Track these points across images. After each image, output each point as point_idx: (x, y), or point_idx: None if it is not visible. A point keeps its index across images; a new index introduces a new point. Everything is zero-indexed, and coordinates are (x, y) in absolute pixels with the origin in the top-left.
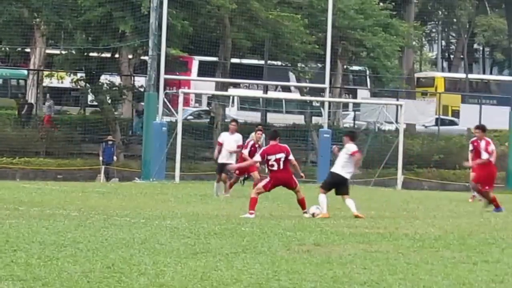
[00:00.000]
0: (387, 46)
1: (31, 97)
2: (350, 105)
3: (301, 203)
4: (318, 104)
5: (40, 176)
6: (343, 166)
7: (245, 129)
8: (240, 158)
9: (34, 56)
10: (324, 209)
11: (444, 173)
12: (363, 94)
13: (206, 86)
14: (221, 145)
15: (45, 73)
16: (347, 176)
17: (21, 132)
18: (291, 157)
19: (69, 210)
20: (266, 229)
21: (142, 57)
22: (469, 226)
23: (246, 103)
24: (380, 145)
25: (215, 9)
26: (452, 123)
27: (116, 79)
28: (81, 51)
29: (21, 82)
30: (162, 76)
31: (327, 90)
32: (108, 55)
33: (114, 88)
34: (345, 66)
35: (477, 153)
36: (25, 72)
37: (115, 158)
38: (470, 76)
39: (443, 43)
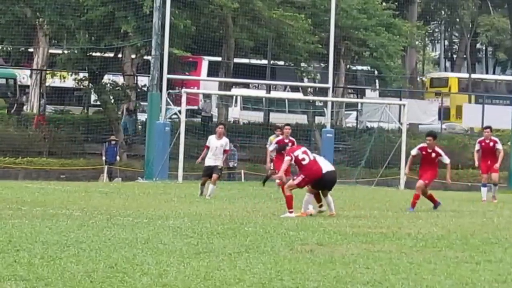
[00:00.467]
0: (390, 46)
1: (34, 97)
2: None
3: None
4: (321, 104)
5: (43, 176)
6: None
7: (248, 129)
8: (278, 160)
9: (37, 56)
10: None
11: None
12: (372, 95)
13: (216, 86)
14: (207, 148)
15: (48, 73)
16: None
17: (24, 132)
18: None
19: (72, 210)
20: (269, 228)
21: (146, 57)
22: (472, 226)
23: (249, 103)
24: (383, 144)
25: (218, 9)
26: None
27: (119, 79)
28: (84, 50)
29: (10, 81)
30: (165, 76)
31: (330, 90)
32: (111, 54)
33: (117, 88)
34: (348, 66)
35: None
36: (14, 71)
37: (118, 158)
38: (485, 76)
39: (446, 42)
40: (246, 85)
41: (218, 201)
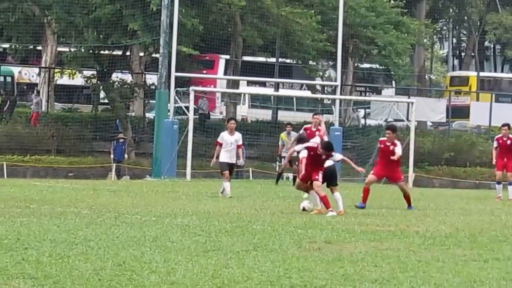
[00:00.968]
0: (399, 44)
1: (42, 95)
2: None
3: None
4: (329, 102)
5: (51, 174)
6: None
7: (256, 127)
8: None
9: (46, 54)
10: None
11: (455, 171)
12: (388, 92)
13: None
14: (220, 145)
15: (57, 70)
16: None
17: (32, 130)
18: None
19: (80, 208)
20: (277, 227)
21: (154, 55)
22: (480, 224)
23: (257, 101)
24: None
25: (226, 7)
26: None
27: (128, 77)
28: (91, 48)
29: (8, 78)
30: (173, 74)
31: (339, 88)
32: (119, 52)
33: (125, 86)
34: (356, 64)
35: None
36: (11, 68)
37: (126, 156)
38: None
39: (454, 40)
40: (263, 84)
41: (226, 199)
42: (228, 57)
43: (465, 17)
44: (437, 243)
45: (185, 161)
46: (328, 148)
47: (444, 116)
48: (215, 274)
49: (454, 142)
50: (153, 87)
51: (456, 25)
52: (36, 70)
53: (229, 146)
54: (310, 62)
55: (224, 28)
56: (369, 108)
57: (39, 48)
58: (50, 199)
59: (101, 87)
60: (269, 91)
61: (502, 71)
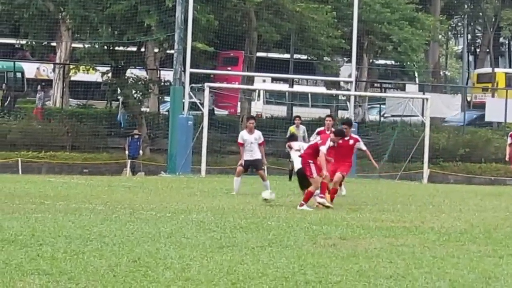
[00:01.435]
0: (414, 40)
1: (56, 91)
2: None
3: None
4: (344, 98)
5: (66, 170)
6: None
7: (270, 123)
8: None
9: (60, 50)
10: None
11: (470, 167)
12: (411, 88)
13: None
14: (242, 145)
15: (71, 67)
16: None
17: (47, 126)
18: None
19: (95, 204)
20: (292, 223)
21: (168, 51)
22: (495, 220)
23: (272, 97)
24: (406, 138)
25: (241, 3)
26: None
27: (143, 73)
28: (105, 45)
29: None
30: (188, 70)
31: (353, 84)
32: (134, 49)
33: (140, 82)
34: (371, 60)
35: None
36: (21, 65)
37: (141, 152)
38: None
39: (469, 36)
40: (280, 80)
41: (241, 196)
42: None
43: (480, 13)
44: (452, 239)
45: (200, 157)
46: (339, 133)
47: (459, 112)
48: (230, 270)
49: (469, 138)
50: (168, 83)
51: (471, 21)
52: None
53: (249, 145)
54: (325, 58)
55: (238, 24)
56: (384, 104)
57: (54, 44)
58: (65, 195)
59: (115, 83)
60: (284, 87)
61: None
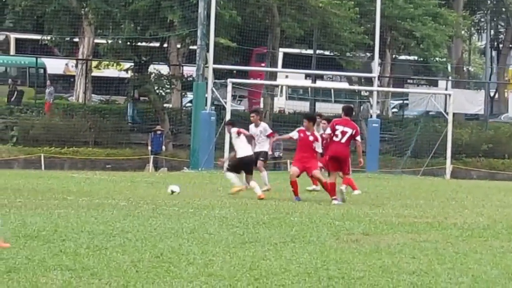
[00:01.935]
0: (437, 36)
1: (79, 87)
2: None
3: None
4: (366, 94)
5: (88, 166)
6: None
7: (293, 119)
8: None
9: (83, 46)
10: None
11: (493, 163)
12: (443, 84)
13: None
14: (252, 138)
15: (94, 62)
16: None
17: (70, 122)
18: (358, 138)
19: (117, 200)
20: (315, 218)
21: (191, 47)
22: None
23: (295, 93)
24: (428, 134)
25: None
26: None
27: (165, 69)
28: (127, 40)
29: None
30: (211, 65)
31: (376, 80)
32: (157, 44)
33: (162, 78)
34: (394, 56)
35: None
36: (43, 61)
37: (163, 147)
38: None
39: (492, 32)
40: (320, 77)
41: (263, 191)
42: (286, 50)
43: (503, 9)
44: (475, 235)
45: (223, 152)
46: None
47: (482, 108)
48: (252, 266)
49: (492, 134)
50: (191, 79)
51: (494, 16)
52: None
53: (257, 137)
54: (348, 54)
55: (261, 20)
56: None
57: (76, 40)
58: (87, 191)
59: (138, 79)
60: (306, 83)
61: None
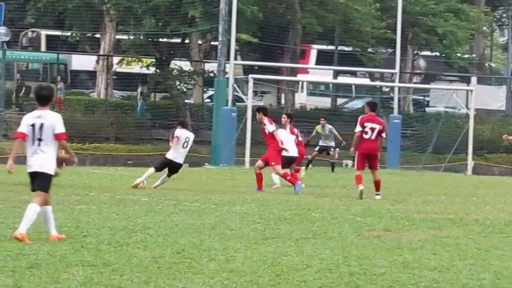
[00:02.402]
0: (459, 32)
1: (100, 83)
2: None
3: (377, 184)
4: (387, 90)
5: (110, 162)
6: None
7: (314, 115)
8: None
9: (104, 42)
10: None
11: None
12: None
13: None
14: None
15: (116, 59)
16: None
17: (91, 117)
18: (384, 134)
19: (139, 196)
20: (336, 214)
21: (213, 43)
22: None
23: (316, 89)
24: (450, 130)
25: None
26: None
27: (187, 65)
28: (149, 36)
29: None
30: (232, 61)
31: (397, 76)
32: (178, 40)
33: (183, 74)
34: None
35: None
36: (65, 56)
37: None
38: None
39: None
40: (354, 73)
41: (284, 188)
42: (320, 47)
43: None
44: (497, 231)
45: (244, 149)
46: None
47: (504, 104)
48: (274, 262)
49: None
50: (212, 75)
51: None
52: (113, 59)
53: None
54: (369, 50)
55: (282, 16)
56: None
57: (98, 35)
58: (109, 187)
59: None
60: (327, 78)
61: None
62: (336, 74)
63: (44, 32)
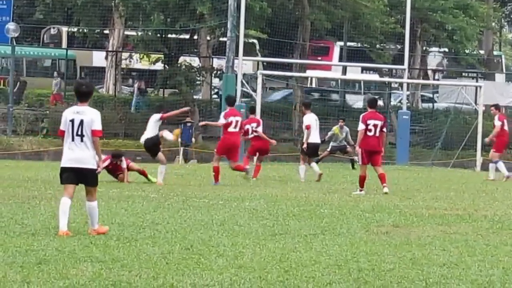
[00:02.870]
0: (468, 28)
1: (109, 79)
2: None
3: (382, 178)
4: (396, 85)
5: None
6: None
7: (323, 110)
8: None
9: (112, 38)
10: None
11: None
12: (498, 78)
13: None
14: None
15: (124, 55)
16: None
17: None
18: (385, 129)
19: (147, 192)
20: (345, 210)
21: (221, 39)
22: None
23: (325, 85)
24: (459, 126)
25: None
26: None
27: (195, 61)
28: (158, 32)
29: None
30: (241, 57)
31: (406, 72)
32: (187, 36)
33: (192, 70)
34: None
35: None
36: (73, 52)
37: (193, 139)
38: None
39: None
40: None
41: (293, 183)
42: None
43: None
44: (506, 227)
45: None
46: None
47: None
48: (282, 258)
49: None
50: (220, 71)
51: None
52: (123, 55)
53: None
54: (378, 46)
55: (291, 12)
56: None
57: (106, 31)
58: (118, 183)
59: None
60: (336, 74)
61: None
62: (345, 70)
63: (65, 29)
